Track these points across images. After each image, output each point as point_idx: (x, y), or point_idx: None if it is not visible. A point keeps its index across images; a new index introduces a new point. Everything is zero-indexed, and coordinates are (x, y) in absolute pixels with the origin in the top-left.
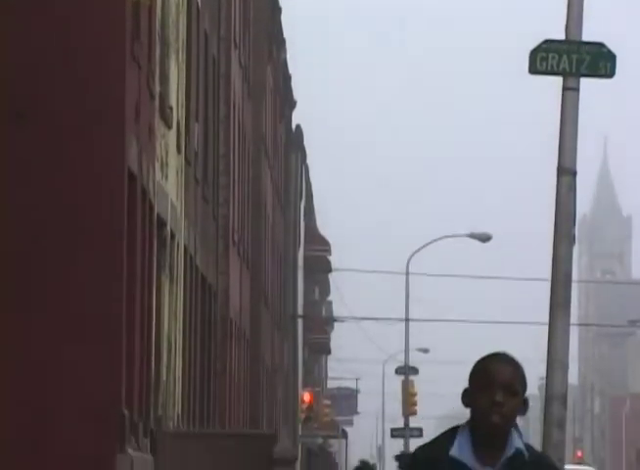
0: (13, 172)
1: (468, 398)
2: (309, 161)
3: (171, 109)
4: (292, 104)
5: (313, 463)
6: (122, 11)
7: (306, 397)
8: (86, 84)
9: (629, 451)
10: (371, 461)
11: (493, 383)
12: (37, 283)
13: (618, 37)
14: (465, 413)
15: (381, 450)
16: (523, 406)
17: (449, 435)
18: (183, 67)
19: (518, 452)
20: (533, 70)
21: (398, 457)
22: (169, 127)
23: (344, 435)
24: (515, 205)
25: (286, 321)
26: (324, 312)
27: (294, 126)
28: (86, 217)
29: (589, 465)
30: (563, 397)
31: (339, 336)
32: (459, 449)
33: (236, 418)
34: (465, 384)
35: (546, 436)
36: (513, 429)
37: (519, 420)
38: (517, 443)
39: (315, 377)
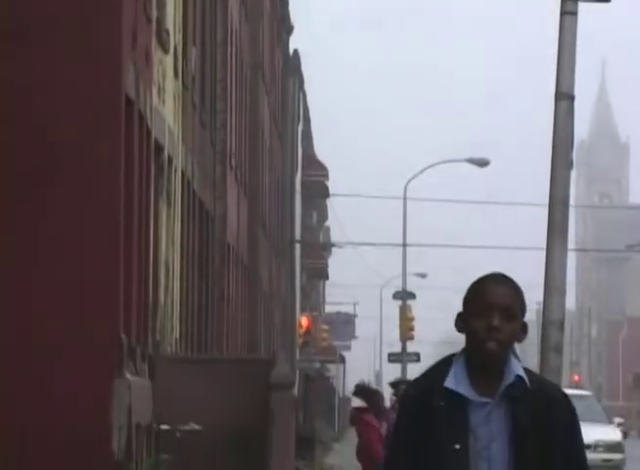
0: (10, 102)
1: (462, 323)
2: (307, 86)
3: (168, 33)
4: (289, 29)
5: (311, 388)
6: None
7: (304, 322)
8: (82, 9)
9: (626, 376)
10: (371, 386)
11: (490, 306)
12: (32, 208)
13: None
14: (463, 338)
15: (378, 375)
16: (521, 331)
17: (443, 365)
18: None
19: (518, 380)
20: None
21: (394, 384)
22: (166, 52)
23: (342, 360)
24: (513, 130)
25: (283, 247)
26: (322, 238)
27: (291, 51)
28: (84, 142)
29: (586, 389)
30: (560, 322)
31: (336, 261)
32: (455, 380)
33: (234, 343)
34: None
35: (543, 360)
36: (512, 355)
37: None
38: (516, 369)
39: (313, 302)
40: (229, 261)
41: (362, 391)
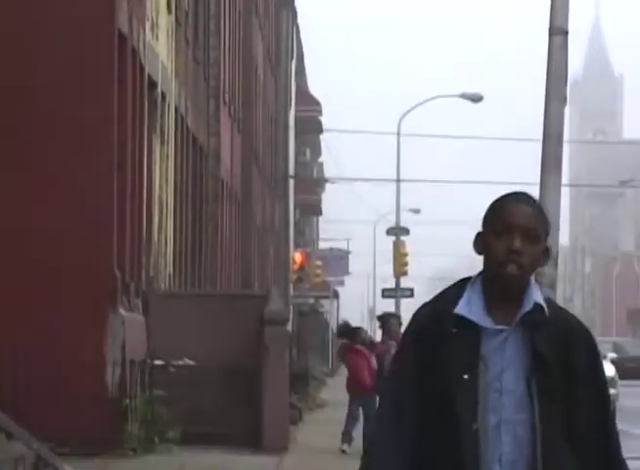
0: (3, 40)
1: (481, 244)
2: (300, 20)
3: None
4: None
5: (304, 324)
6: None
7: (298, 257)
8: None
9: (619, 311)
10: (351, 324)
11: (511, 226)
12: (26, 144)
13: None
14: (457, 273)
15: (372, 311)
16: (544, 255)
17: (456, 289)
18: None
19: (537, 308)
20: None
21: (380, 317)
22: None
23: (336, 295)
24: (507, 65)
25: (277, 182)
26: (315, 173)
27: None
28: (77, 79)
29: None
30: (553, 258)
31: (330, 197)
32: (468, 306)
33: (227, 279)
34: (456, 244)
35: None
36: (532, 281)
37: None
38: (536, 296)
39: (306, 238)
40: (222, 197)
41: (344, 331)
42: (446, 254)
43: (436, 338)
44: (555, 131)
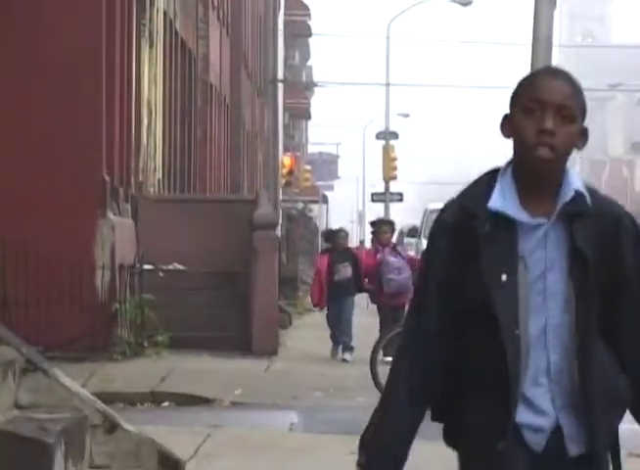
0: None
1: (508, 126)
2: None
3: None
4: None
5: (294, 228)
6: None
7: (287, 162)
8: None
9: None
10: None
11: (542, 104)
12: (13, 45)
13: None
14: (446, 177)
15: (361, 215)
16: (580, 136)
17: (486, 182)
18: None
19: (578, 196)
20: None
21: (373, 223)
22: None
23: (325, 200)
24: None
25: (266, 86)
26: (304, 77)
27: None
28: None
29: None
30: None
31: (319, 101)
32: (501, 199)
33: (217, 184)
34: (446, 148)
35: None
36: (569, 167)
37: None
38: (575, 183)
39: (296, 142)
40: (212, 102)
41: (327, 235)
42: (436, 158)
43: (469, 237)
44: (544, 35)
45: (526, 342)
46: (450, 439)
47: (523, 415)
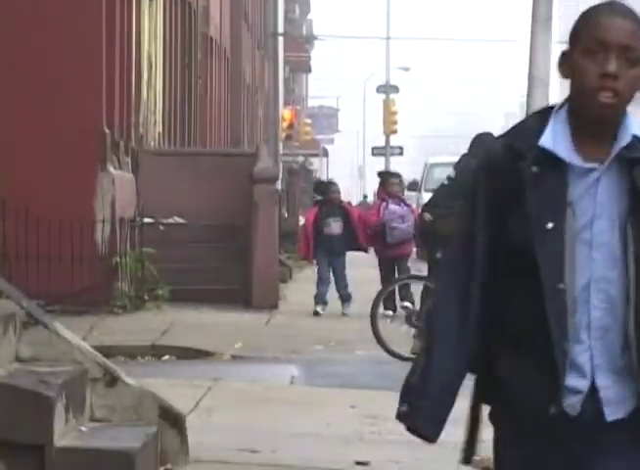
0: None
1: (567, 66)
2: None
3: None
4: None
5: (294, 182)
6: None
7: (287, 115)
8: None
9: None
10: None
11: (605, 44)
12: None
13: None
14: (449, 131)
15: (361, 169)
16: None
17: (538, 120)
18: None
19: (636, 141)
20: None
21: (381, 174)
22: None
23: (326, 153)
24: None
25: (266, 40)
26: (304, 31)
27: None
28: None
29: None
30: None
31: (319, 54)
32: (553, 139)
33: (217, 138)
34: (446, 101)
35: None
36: (628, 113)
37: None
38: (634, 128)
39: (296, 96)
40: (212, 55)
41: (316, 186)
42: (437, 112)
43: (514, 177)
44: None
45: (572, 296)
46: (486, 395)
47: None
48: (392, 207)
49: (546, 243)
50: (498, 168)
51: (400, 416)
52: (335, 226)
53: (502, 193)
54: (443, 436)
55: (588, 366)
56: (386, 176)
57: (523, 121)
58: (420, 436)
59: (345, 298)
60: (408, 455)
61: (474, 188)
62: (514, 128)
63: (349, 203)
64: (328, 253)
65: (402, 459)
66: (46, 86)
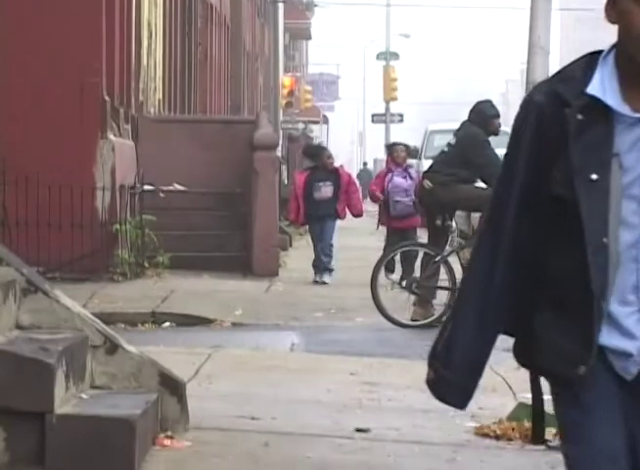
0: None
1: (614, 10)
2: None
3: None
4: None
5: (294, 149)
6: None
7: (287, 82)
8: None
9: None
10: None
11: None
12: None
13: None
14: (449, 98)
15: (362, 136)
16: None
17: (584, 66)
18: None
19: None
20: None
21: (389, 146)
22: None
23: (326, 120)
24: None
25: (266, 6)
26: None
27: None
28: None
29: None
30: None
31: (319, 21)
32: (600, 86)
33: (217, 105)
34: (446, 68)
35: None
36: None
37: None
38: None
39: (296, 63)
40: (212, 22)
41: (307, 151)
42: (437, 78)
43: (559, 125)
44: None
45: (616, 253)
46: (523, 356)
47: (607, 337)
48: (397, 179)
49: (590, 194)
50: (541, 116)
51: (428, 383)
52: (325, 191)
53: (545, 142)
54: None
55: (638, 328)
56: (392, 146)
57: (567, 67)
58: (446, 403)
59: (327, 269)
60: (408, 422)
61: (516, 138)
62: (558, 74)
63: (342, 166)
64: (319, 218)
65: (402, 426)
66: (46, 53)
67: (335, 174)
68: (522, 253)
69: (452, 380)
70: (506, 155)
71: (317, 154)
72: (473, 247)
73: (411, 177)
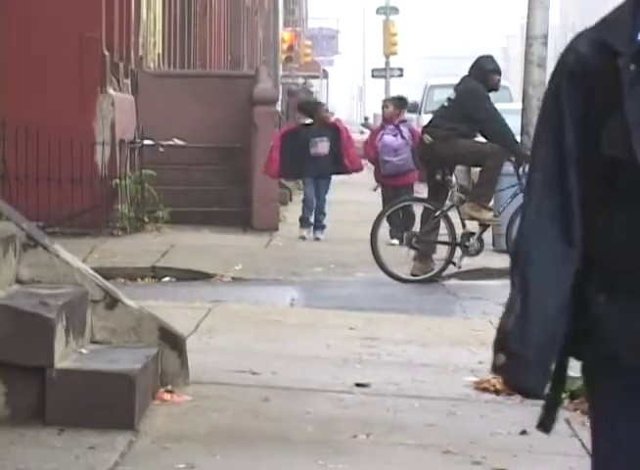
0: None
1: None
2: None
3: None
4: None
5: (294, 103)
6: None
7: (287, 36)
8: None
9: None
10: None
11: None
12: None
13: None
14: (449, 52)
15: (362, 91)
16: None
17: (632, 10)
18: None
19: None
20: None
21: (401, 99)
22: None
23: (326, 75)
24: None
25: None
26: None
27: None
28: None
29: None
30: (544, 37)
31: None
32: None
33: (217, 60)
34: (447, 23)
35: (526, 75)
36: None
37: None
38: None
39: (296, 18)
40: None
41: (301, 106)
42: (437, 33)
43: (608, 78)
44: None
45: None
46: (577, 346)
47: None
48: (386, 138)
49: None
50: (586, 68)
51: (497, 369)
52: (321, 146)
53: (593, 97)
54: (443, 358)
55: None
56: (383, 102)
57: (613, 13)
58: (523, 390)
59: (320, 224)
60: (407, 377)
61: (555, 95)
62: (603, 22)
63: (338, 120)
64: (314, 174)
65: (402, 381)
66: (45, 8)
67: (333, 129)
68: (580, 223)
69: (531, 358)
70: (542, 116)
71: (314, 109)
72: (523, 217)
73: (402, 136)
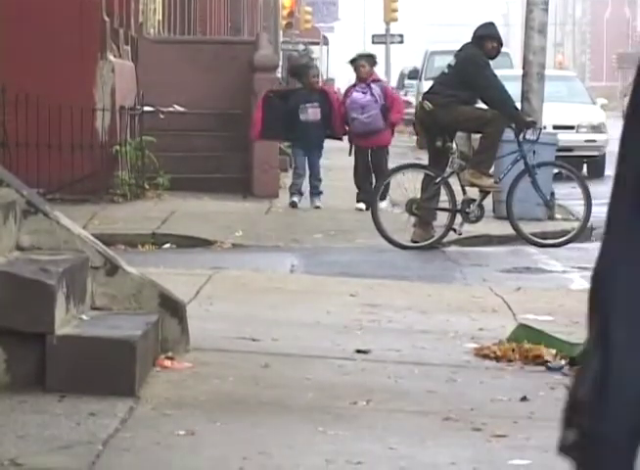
0: None
1: None
2: None
3: None
4: None
5: (293, 70)
6: None
7: (287, 2)
8: None
9: (609, 56)
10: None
11: None
12: None
13: None
14: (450, 19)
15: None
16: None
17: None
18: None
19: None
20: None
21: (351, 61)
22: None
23: (326, 42)
24: None
25: None
26: None
27: None
28: None
29: (570, 70)
30: (544, 2)
31: None
32: None
33: (217, 26)
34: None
35: (527, 41)
36: None
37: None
38: None
39: None
40: None
41: (292, 70)
42: (436, 2)
43: None
44: None
45: None
46: None
47: None
48: (355, 95)
49: None
50: None
51: (565, 448)
52: (312, 112)
53: None
54: (443, 325)
55: None
56: (355, 60)
57: None
58: None
59: (316, 190)
60: (408, 343)
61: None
62: None
63: (330, 86)
64: (304, 141)
65: (402, 347)
66: None
67: (322, 94)
68: None
69: (612, 438)
70: (627, 131)
71: (302, 73)
72: (610, 245)
73: (372, 93)
